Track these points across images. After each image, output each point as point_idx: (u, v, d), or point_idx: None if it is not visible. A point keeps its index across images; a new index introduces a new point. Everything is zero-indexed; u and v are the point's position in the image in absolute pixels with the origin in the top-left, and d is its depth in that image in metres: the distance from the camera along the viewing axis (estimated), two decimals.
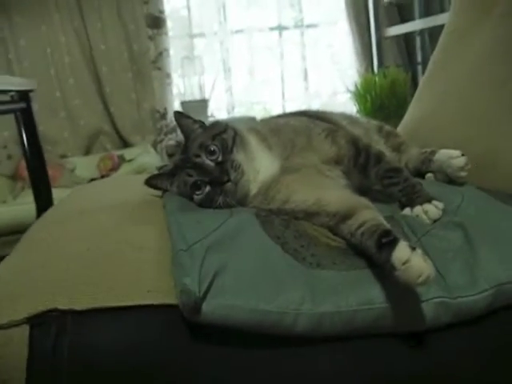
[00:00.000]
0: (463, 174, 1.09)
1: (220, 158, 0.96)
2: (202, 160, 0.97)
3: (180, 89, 3.09)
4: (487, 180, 1.10)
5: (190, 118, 1.04)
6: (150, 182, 1.06)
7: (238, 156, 0.97)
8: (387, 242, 0.67)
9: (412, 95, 2.80)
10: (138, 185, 1.20)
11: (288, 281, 0.68)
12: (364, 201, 0.87)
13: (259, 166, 0.99)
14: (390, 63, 3.02)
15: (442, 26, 2.94)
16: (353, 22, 3.15)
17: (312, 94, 3.61)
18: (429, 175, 1.20)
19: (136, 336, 0.67)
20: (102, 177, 2.42)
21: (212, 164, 0.96)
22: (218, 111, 3.27)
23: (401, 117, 1.69)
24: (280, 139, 1.03)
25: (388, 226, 0.74)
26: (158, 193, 1.11)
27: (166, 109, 3.03)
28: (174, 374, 0.67)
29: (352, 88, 2.87)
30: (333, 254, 0.76)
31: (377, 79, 2.68)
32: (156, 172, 1.12)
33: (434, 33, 3.06)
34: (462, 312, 0.72)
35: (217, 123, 1.06)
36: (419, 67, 2.96)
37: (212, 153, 0.97)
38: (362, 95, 2.66)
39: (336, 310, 0.66)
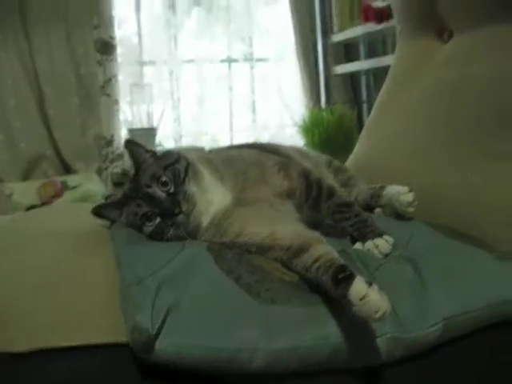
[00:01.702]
0: (411, 209, 1.12)
1: (172, 189, 0.94)
2: (153, 191, 0.94)
3: (127, 116, 3.05)
4: (432, 215, 1.14)
5: (142, 147, 1.02)
6: (98, 212, 1.01)
7: (191, 187, 0.96)
8: (344, 277, 0.66)
9: (358, 132, 2.92)
10: (83, 214, 1.15)
11: (243, 318, 0.66)
12: (317, 235, 0.87)
13: (212, 197, 0.98)
14: (337, 100, 3.13)
15: (384, 68, 3.11)
16: (301, 59, 3.24)
17: (260, 127, 3.66)
18: (378, 210, 1.22)
19: (83, 378, 0.63)
20: (43, 204, 2.31)
21: (163, 195, 0.94)
22: (165, 140, 3.24)
23: (347, 152, 1.73)
24: (233, 171, 1.03)
25: (342, 261, 0.74)
26: (106, 223, 1.06)
27: (112, 136, 2.97)
28: None
29: (299, 122, 2.93)
30: (287, 290, 0.75)
31: (324, 114, 2.76)
32: (103, 201, 1.08)
33: (377, 73, 3.21)
34: (414, 346, 0.73)
35: (169, 153, 1.03)
36: (364, 105, 3.08)
37: (164, 184, 0.95)
38: (310, 129, 2.72)
39: (291, 347, 0.65)
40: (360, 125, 3.01)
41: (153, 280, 0.70)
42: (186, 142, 3.43)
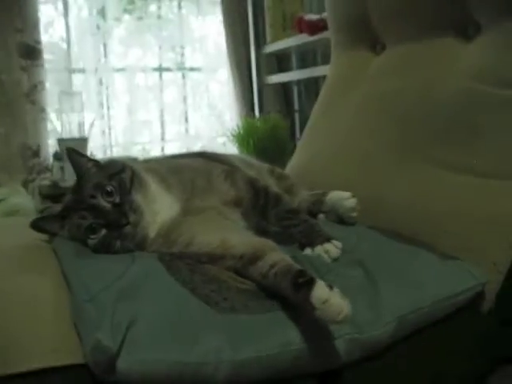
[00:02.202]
0: (354, 214, 1.16)
1: (117, 200, 0.91)
2: (97, 201, 0.90)
3: (56, 125, 2.90)
4: (374, 220, 1.18)
5: (84, 156, 0.98)
6: (37, 225, 0.96)
7: (137, 197, 0.93)
8: (304, 281, 0.67)
9: (291, 141, 2.98)
10: (17, 228, 1.09)
11: (203, 329, 0.65)
12: (270, 242, 0.87)
13: (159, 207, 0.96)
14: (270, 110, 3.17)
15: (315, 78, 3.21)
16: (234, 69, 3.26)
17: (192, 136, 3.64)
18: (320, 216, 1.25)
19: None
20: None
21: (109, 205, 0.90)
22: (96, 150, 3.13)
23: (282, 161, 1.76)
24: (180, 180, 1.01)
25: (299, 266, 0.75)
26: (45, 237, 1.01)
27: (39, 146, 2.81)
28: None
29: (233, 131, 2.94)
30: (245, 298, 0.74)
31: (258, 124, 2.79)
32: (38, 215, 1.02)
33: (308, 83, 3.30)
34: (370, 345, 0.75)
35: (113, 162, 1.00)
36: (296, 114, 3.15)
37: (109, 194, 0.91)
38: (245, 138, 2.74)
39: (256, 355, 0.64)
40: (292, 134, 3.08)
41: (106, 295, 0.67)
42: (117, 152, 3.33)
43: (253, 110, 3.21)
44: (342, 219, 1.19)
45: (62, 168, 2.45)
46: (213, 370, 0.61)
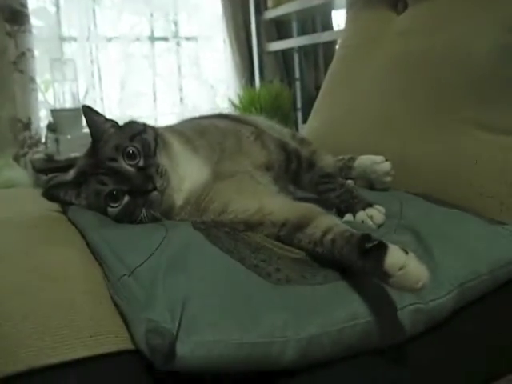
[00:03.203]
0: (388, 179, 1.09)
1: (141, 163, 0.81)
2: (119, 165, 0.81)
3: (46, 96, 2.75)
4: (404, 184, 1.11)
5: (101, 116, 0.87)
6: (51, 194, 0.86)
7: (163, 160, 0.83)
8: (373, 246, 0.59)
9: (293, 110, 2.88)
10: (22, 199, 0.99)
11: (262, 303, 0.56)
12: (314, 207, 0.79)
13: (186, 171, 0.86)
14: (269, 78, 3.06)
15: (314, 46, 3.09)
16: (232, 36, 3.12)
17: (189, 107, 3.52)
18: (349, 182, 1.17)
19: None
20: None
21: (132, 169, 0.81)
22: None
23: None
24: (207, 142, 0.91)
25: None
26: (55, 207, 0.91)
27: (29, 118, 2.66)
28: None
29: (234, 100, 2.84)
30: (298, 267, 0.66)
31: (260, 93, 2.68)
32: (54, 182, 0.91)
33: (307, 51, 3.19)
34: (434, 316, 0.68)
35: (133, 122, 0.90)
36: (298, 83, 3.04)
37: (131, 156, 0.82)
38: (247, 108, 2.64)
39: (323, 331, 0.56)
40: (293, 103, 2.98)
41: (148, 269, 0.58)
42: None
43: (252, 78, 3.09)
44: (372, 185, 1.12)
45: (56, 140, 2.33)
46: (279, 350, 0.53)
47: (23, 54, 2.61)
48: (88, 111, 0.85)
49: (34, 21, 2.66)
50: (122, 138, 0.83)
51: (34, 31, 2.65)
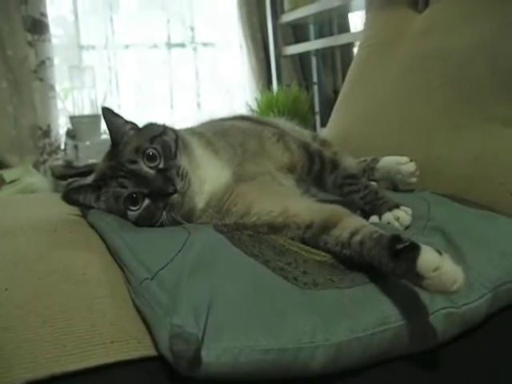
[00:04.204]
0: (414, 179, 1.06)
1: (162, 165, 0.80)
2: (139, 167, 0.79)
3: (65, 103, 2.77)
4: (431, 185, 1.08)
5: (121, 117, 0.86)
6: (70, 197, 0.85)
7: (184, 162, 0.82)
8: (404, 247, 0.56)
9: (312, 113, 2.85)
10: (41, 202, 0.98)
11: (289, 307, 0.54)
12: (340, 208, 0.76)
13: (207, 174, 0.85)
14: (286, 82, 3.04)
15: (331, 49, 3.07)
16: (249, 41, 3.11)
17: (206, 112, 3.52)
18: (372, 183, 1.14)
19: None
20: None
21: (152, 172, 0.79)
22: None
23: None
24: (228, 143, 0.90)
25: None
26: (74, 210, 0.90)
27: (49, 125, 2.68)
28: None
29: (251, 105, 2.82)
30: (325, 270, 0.64)
31: (278, 96, 2.66)
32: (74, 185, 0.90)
33: (324, 54, 3.16)
34: (467, 320, 0.65)
35: (152, 124, 0.89)
36: (315, 87, 3.01)
37: (151, 158, 0.80)
38: (265, 112, 2.62)
39: (353, 337, 0.54)
40: (311, 106, 2.95)
41: (170, 272, 0.56)
42: None
43: (269, 82, 3.07)
44: (396, 186, 1.09)
45: (75, 146, 2.34)
46: (309, 356, 0.51)
47: (43, 62, 2.64)
48: (107, 113, 0.84)
49: (53, 29, 2.68)
50: (142, 140, 0.82)
51: (54, 40, 2.67)
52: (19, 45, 2.56)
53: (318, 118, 2.96)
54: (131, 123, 0.87)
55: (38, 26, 2.58)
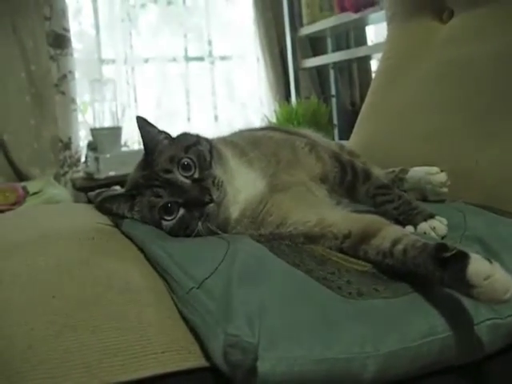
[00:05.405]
0: (445, 189, 1.04)
1: (197, 174, 0.80)
2: (174, 176, 0.79)
3: (86, 116, 2.80)
4: (462, 195, 1.06)
5: (155, 127, 0.87)
6: (104, 206, 0.85)
7: (218, 172, 0.82)
8: (452, 256, 0.55)
9: (331, 126, 2.85)
10: (71, 212, 0.98)
11: (338, 317, 0.54)
12: (378, 217, 0.76)
13: (241, 184, 0.85)
14: (304, 95, 3.05)
15: (348, 61, 3.08)
16: (266, 54, 3.14)
17: (223, 125, 3.53)
18: (405, 194, 1.13)
19: None
20: (1, 212, 2.02)
21: (188, 181, 0.79)
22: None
23: None
24: (261, 153, 0.90)
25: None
26: (106, 220, 0.90)
27: (70, 138, 2.71)
28: None
29: (270, 117, 2.83)
30: (368, 280, 0.63)
31: (297, 109, 2.67)
32: (107, 194, 0.91)
33: (342, 67, 3.17)
34: None
35: (186, 134, 0.89)
36: (333, 99, 3.02)
37: (186, 168, 0.80)
38: (284, 124, 2.62)
39: (402, 347, 0.53)
40: (330, 119, 2.95)
41: (216, 281, 0.55)
42: None
43: (286, 95, 3.08)
44: (426, 197, 1.08)
45: (96, 159, 2.36)
46: (360, 367, 0.50)
47: (65, 76, 2.68)
48: (142, 122, 0.85)
49: (75, 44, 2.73)
50: (177, 150, 0.82)
51: (75, 54, 2.72)
52: (42, 59, 2.61)
53: (336, 130, 2.96)
54: (165, 133, 0.87)
55: (60, 41, 2.62)
